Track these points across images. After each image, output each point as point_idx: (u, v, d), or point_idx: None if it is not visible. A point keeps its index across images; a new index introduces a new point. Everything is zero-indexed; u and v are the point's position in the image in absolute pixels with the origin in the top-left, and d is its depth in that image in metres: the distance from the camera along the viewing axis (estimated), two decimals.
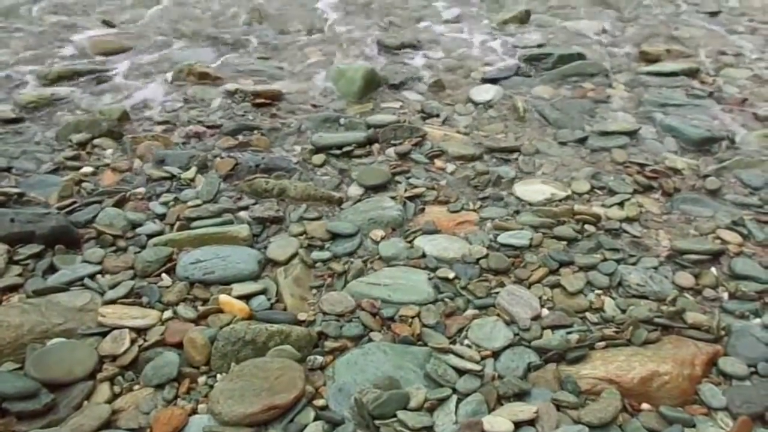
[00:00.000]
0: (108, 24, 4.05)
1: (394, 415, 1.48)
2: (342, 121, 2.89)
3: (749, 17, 4.25)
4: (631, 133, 2.79)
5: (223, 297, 1.83)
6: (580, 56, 3.49)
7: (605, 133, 2.80)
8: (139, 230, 2.14)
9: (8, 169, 2.46)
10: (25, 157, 2.57)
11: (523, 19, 3.91)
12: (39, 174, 2.45)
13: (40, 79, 3.24)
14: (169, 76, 3.29)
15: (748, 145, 2.70)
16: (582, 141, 2.77)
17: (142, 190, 2.34)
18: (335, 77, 3.26)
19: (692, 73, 3.36)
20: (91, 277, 1.92)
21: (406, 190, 2.39)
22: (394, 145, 2.68)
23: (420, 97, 3.21)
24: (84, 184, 2.37)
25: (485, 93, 3.20)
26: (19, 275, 1.92)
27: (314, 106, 3.08)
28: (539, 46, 3.68)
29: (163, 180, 2.40)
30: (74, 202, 2.26)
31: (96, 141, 2.66)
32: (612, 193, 2.40)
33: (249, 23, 4.08)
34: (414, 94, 3.23)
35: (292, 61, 3.57)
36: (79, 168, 2.48)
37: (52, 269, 1.96)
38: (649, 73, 3.38)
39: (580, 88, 3.24)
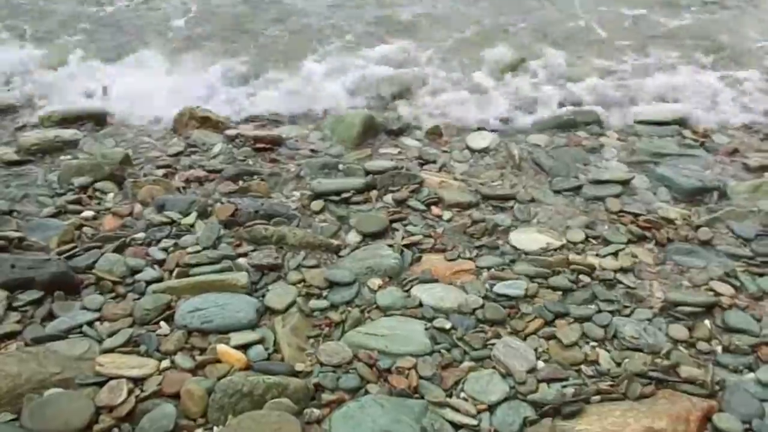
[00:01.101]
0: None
1: None
2: (340, 167, 2.94)
3: (738, 64, 4.35)
4: (625, 183, 2.84)
5: (221, 347, 1.84)
6: (574, 104, 3.57)
7: (599, 182, 2.85)
8: (138, 276, 2.15)
9: (10, 213, 2.48)
10: (27, 200, 2.60)
11: (519, 66, 4.00)
12: (40, 218, 2.47)
13: (43, 121, 3.29)
14: (172, 119, 3.34)
15: (738, 196, 2.75)
16: (576, 189, 2.82)
17: (142, 235, 2.37)
18: (334, 123, 3.32)
19: (683, 122, 3.44)
20: (90, 324, 1.94)
21: (403, 238, 2.42)
22: (392, 191, 2.72)
23: (417, 143, 3.27)
24: (85, 229, 2.39)
25: (482, 140, 3.26)
26: (18, 322, 1.93)
27: (313, 151, 3.13)
28: (534, 93, 3.76)
29: (164, 225, 2.42)
30: (75, 247, 2.28)
31: (98, 185, 2.70)
32: (606, 242, 2.43)
33: (251, 67, 4.16)
34: (412, 140, 3.29)
35: (292, 105, 3.63)
36: (80, 212, 2.51)
37: (50, 316, 1.97)
38: (641, 122, 3.46)
39: (574, 136, 3.31)
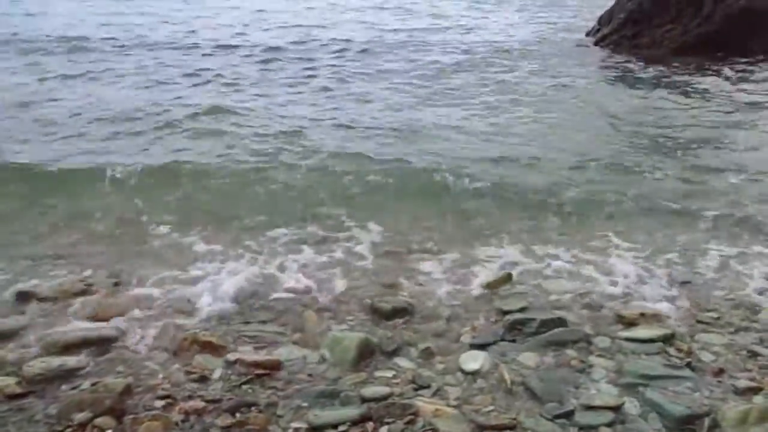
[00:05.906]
0: (117, 284, 4.29)
1: None
2: (338, 395, 3.00)
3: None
4: (616, 408, 2.89)
5: None
6: (561, 321, 3.72)
7: (590, 408, 2.90)
8: None
9: None
10: None
11: (506, 281, 4.24)
12: None
13: (48, 348, 3.39)
14: (174, 345, 3.46)
15: (728, 425, 2.79)
16: (569, 416, 2.86)
17: None
18: (331, 345, 3.44)
19: (668, 340, 3.56)
20: None
21: None
22: (387, 423, 2.76)
23: (412, 364, 3.36)
24: None
25: (473, 361, 3.35)
26: None
27: (310, 375, 3.21)
28: (521, 309, 3.93)
29: None
30: None
31: (97, 420, 2.74)
32: None
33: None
34: (406, 362, 3.38)
35: (290, 324, 3.77)
36: None
37: None
38: (627, 339, 3.58)
39: (563, 355, 3.41)
